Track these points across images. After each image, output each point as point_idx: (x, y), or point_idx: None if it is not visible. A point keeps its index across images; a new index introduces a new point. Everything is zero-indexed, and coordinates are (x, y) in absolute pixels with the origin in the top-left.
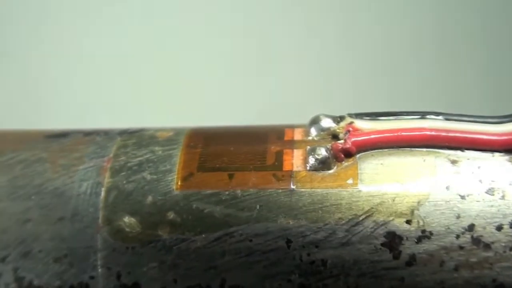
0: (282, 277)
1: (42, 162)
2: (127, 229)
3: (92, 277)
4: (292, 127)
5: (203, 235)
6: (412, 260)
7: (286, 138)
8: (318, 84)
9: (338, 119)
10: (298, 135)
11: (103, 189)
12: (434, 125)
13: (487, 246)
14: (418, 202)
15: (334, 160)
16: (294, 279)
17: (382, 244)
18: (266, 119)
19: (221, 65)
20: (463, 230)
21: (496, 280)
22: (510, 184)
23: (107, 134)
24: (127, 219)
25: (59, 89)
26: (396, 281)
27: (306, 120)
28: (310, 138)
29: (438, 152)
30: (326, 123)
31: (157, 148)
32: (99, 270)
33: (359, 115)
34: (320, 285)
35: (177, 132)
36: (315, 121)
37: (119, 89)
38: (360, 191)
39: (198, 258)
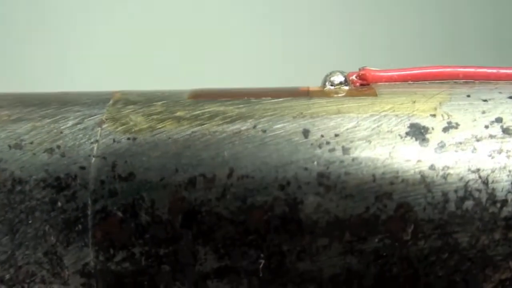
0: (298, 165)
1: (52, 93)
2: (132, 123)
3: (82, 167)
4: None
5: (214, 127)
6: (441, 147)
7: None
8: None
9: None
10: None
11: (111, 99)
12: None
13: None
14: (440, 103)
15: (351, 85)
16: (311, 167)
17: (407, 133)
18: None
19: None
20: (491, 121)
21: None
22: None
23: None
24: (133, 116)
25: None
26: (426, 169)
27: None
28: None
29: (454, 82)
30: (340, 75)
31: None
32: (93, 160)
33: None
34: (342, 174)
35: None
36: (328, 75)
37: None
38: (379, 98)
39: (205, 147)
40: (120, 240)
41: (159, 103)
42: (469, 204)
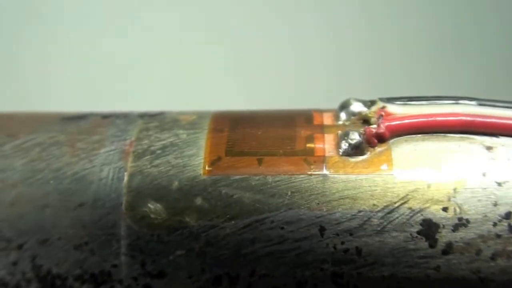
0: (314, 265)
1: (60, 145)
2: (152, 216)
3: (114, 266)
4: (320, 111)
5: (233, 222)
6: (448, 249)
7: (315, 122)
8: (344, 69)
9: (369, 103)
10: (327, 119)
11: (126, 173)
12: (468, 110)
13: None
14: (455, 189)
15: (367, 145)
16: (327, 268)
17: (418, 232)
18: (292, 105)
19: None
20: (500, 218)
21: None
22: None
23: (126, 117)
24: (152, 205)
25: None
26: (432, 270)
27: (332, 106)
28: (340, 122)
29: (473, 138)
30: (357, 107)
31: (181, 132)
32: (122, 258)
33: (391, 100)
34: (354, 274)
35: (201, 115)
36: (345, 105)
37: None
38: (394, 177)
39: (227, 246)
40: None
41: (175, 183)
42: None
